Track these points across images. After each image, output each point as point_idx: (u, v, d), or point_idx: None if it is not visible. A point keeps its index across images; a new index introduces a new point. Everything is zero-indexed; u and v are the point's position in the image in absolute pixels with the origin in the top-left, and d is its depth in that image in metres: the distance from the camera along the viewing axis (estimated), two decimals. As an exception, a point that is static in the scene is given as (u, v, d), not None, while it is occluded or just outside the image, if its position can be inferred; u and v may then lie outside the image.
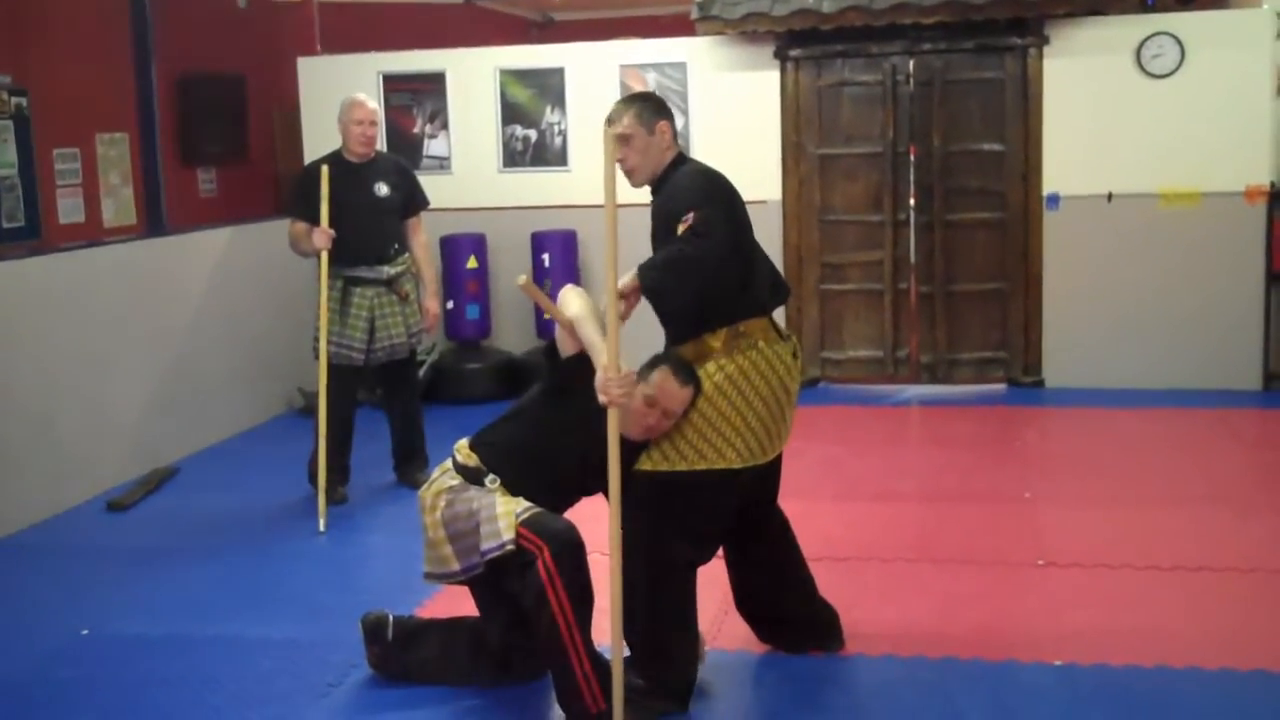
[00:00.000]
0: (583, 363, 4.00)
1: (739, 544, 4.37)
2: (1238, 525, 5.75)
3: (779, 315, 4.30)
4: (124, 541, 6.11)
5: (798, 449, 7.32)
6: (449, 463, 4.21)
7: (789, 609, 4.51)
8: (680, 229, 3.87)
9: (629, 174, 4.16)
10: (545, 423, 4.15)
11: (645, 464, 4.03)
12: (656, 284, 3.86)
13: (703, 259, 3.85)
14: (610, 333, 3.79)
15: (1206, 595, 4.92)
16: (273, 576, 5.54)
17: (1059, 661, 4.33)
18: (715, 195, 4.01)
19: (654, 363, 4.02)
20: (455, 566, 4.07)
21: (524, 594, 3.95)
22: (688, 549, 4.04)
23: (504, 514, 3.95)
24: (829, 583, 5.19)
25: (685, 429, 4.00)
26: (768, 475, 4.31)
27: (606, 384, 3.79)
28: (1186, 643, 4.44)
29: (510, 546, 3.91)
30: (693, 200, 3.95)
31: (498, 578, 4.02)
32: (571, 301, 4.06)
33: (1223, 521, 5.78)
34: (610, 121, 4.12)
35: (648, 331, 4.33)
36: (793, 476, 6.80)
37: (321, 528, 6.08)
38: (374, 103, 6.61)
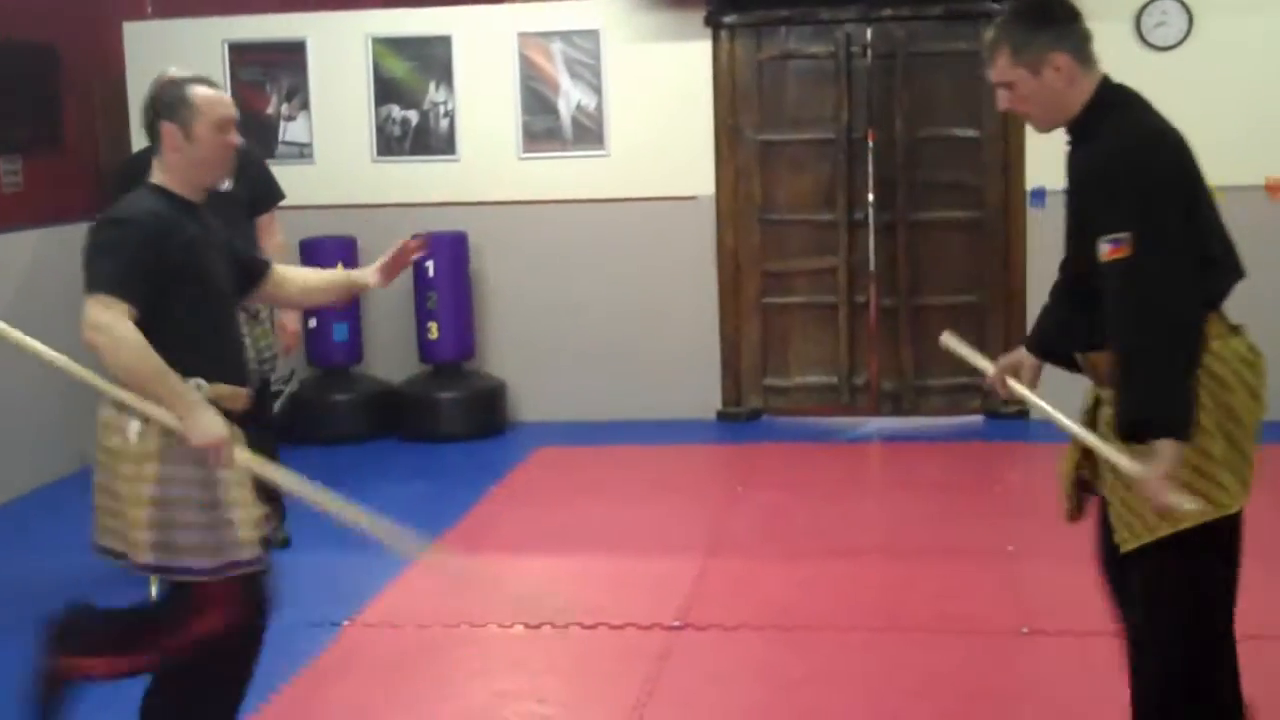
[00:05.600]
0: None
1: None
2: (1259, 584, 5.82)
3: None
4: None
5: (735, 496, 7.39)
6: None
7: None
8: (1107, 253, 3.39)
9: (1026, 118, 3.75)
10: None
11: (1131, 541, 3.54)
12: (1167, 425, 3.36)
13: (1162, 305, 3.36)
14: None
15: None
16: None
17: (1049, 749, 4.37)
18: (1158, 193, 3.43)
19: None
20: (140, 555, 3.86)
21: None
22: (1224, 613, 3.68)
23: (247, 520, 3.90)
24: (775, 657, 5.22)
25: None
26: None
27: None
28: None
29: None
30: (1125, 208, 3.40)
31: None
32: None
33: (1241, 580, 5.84)
34: (985, 56, 3.68)
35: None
36: (729, 529, 6.85)
37: (153, 597, 5.99)
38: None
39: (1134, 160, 3.45)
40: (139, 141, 8.21)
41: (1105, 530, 3.73)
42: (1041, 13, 3.56)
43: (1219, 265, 3.56)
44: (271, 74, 9.14)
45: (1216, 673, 3.64)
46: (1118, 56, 8.93)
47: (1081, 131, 3.59)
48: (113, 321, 3.68)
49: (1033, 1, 3.61)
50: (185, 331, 3.85)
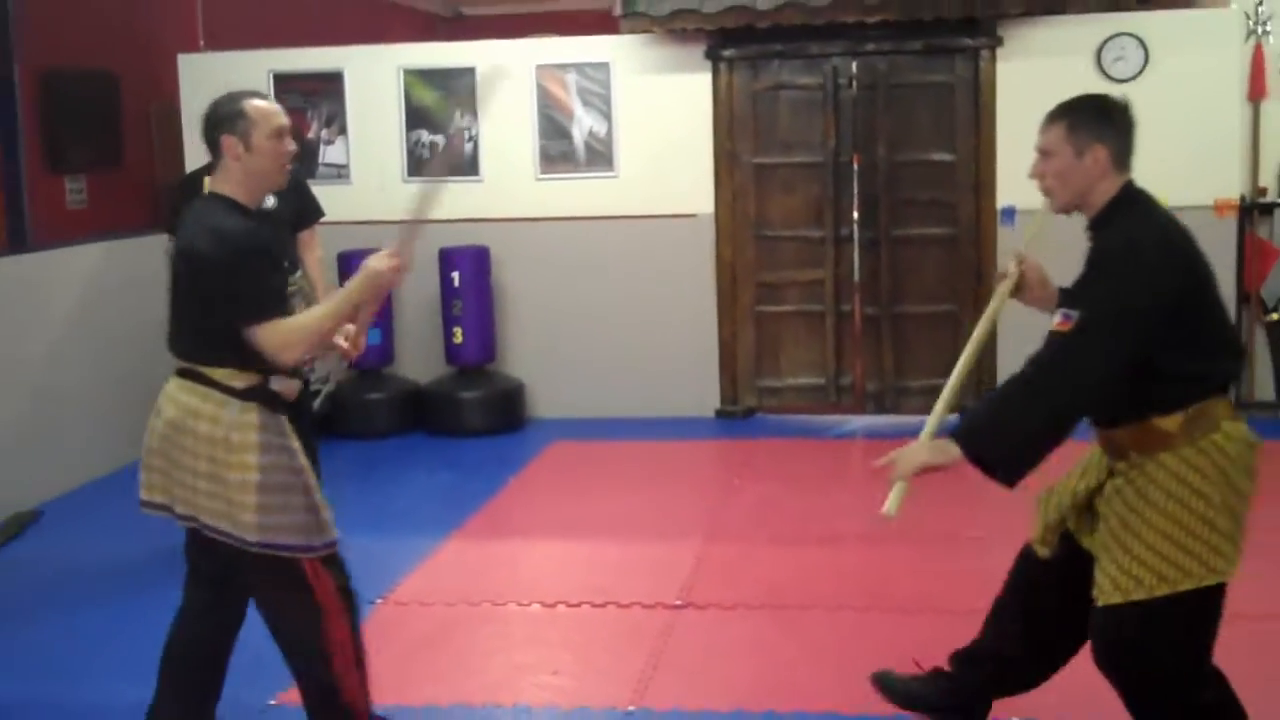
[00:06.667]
0: None
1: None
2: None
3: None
4: (-20, 595, 6.01)
5: (732, 487, 7.39)
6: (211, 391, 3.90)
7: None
8: (1057, 323, 3.50)
9: (1045, 193, 3.80)
10: None
11: (1115, 596, 3.49)
12: (974, 438, 3.57)
13: (1056, 389, 3.47)
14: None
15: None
16: (148, 633, 5.43)
17: None
18: (1137, 288, 3.46)
19: None
20: (249, 536, 3.81)
21: (289, 623, 3.91)
22: (1205, 686, 3.62)
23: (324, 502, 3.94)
24: (769, 634, 5.22)
25: (1155, 540, 3.46)
26: None
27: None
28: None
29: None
30: (1100, 289, 3.50)
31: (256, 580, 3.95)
32: None
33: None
34: (1044, 123, 3.78)
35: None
36: (726, 517, 6.85)
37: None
38: None
39: (1119, 254, 3.53)
40: (193, 163, 8.25)
41: (1051, 569, 3.86)
42: (1105, 110, 3.71)
43: (1229, 350, 3.61)
44: (312, 101, 9.14)
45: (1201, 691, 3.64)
46: (1081, 87, 8.98)
47: (1097, 227, 3.70)
48: (278, 330, 3.76)
49: (1103, 99, 3.77)
50: None
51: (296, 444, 3.95)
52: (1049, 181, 3.72)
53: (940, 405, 3.77)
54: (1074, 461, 3.82)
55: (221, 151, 3.90)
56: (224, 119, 3.90)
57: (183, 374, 3.95)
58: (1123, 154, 3.68)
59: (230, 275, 3.77)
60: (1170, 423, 3.46)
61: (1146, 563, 3.45)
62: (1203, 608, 3.52)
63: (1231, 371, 3.62)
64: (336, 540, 3.95)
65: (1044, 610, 3.92)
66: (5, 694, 4.85)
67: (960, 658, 4.17)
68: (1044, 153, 3.71)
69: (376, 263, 3.95)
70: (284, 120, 3.99)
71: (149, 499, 4.00)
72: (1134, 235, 3.54)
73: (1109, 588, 3.50)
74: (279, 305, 3.83)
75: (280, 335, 3.76)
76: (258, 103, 3.94)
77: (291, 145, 4.02)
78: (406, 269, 4.00)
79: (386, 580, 5.87)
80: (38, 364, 7.48)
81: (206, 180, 6.17)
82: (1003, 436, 3.53)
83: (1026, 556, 4.03)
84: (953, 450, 3.53)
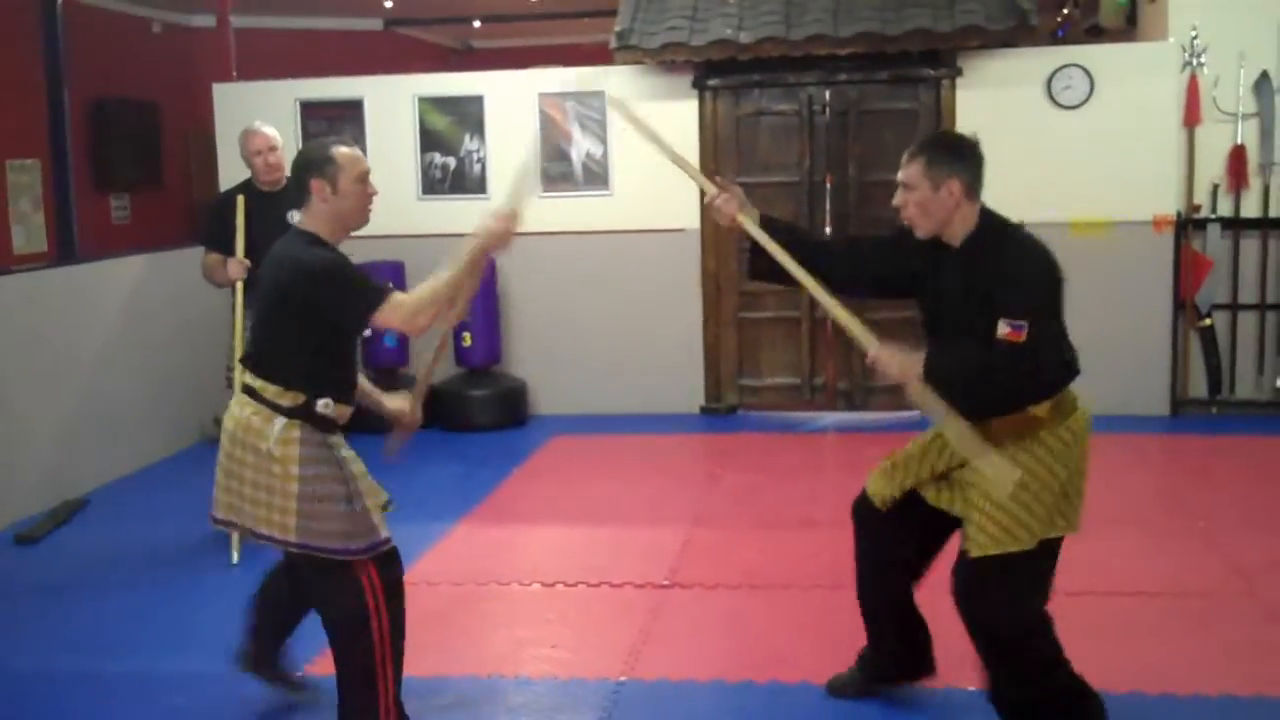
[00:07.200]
0: None
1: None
2: (1148, 549, 5.82)
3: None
4: (32, 575, 5.98)
5: (715, 477, 7.38)
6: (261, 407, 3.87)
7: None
8: (1006, 333, 3.60)
9: (908, 221, 3.88)
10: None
11: (991, 548, 3.73)
12: (944, 379, 3.73)
13: (1009, 385, 3.71)
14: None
15: (1121, 620, 4.97)
16: (185, 610, 5.44)
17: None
18: (1054, 295, 3.72)
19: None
20: (291, 538, 3.81)
21: (336, 611, 3.87)
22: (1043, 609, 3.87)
23: (375, 506, 3.90)
24: (747, 610, 5.21)
25: (1030, 502, 3.73)
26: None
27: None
28: (1100, 670, 4.47)
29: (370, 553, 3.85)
30: (1032, 301, 3.65)
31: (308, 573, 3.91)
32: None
33: (1134, 545, 5.84)
34: (905, 159, 3.88)
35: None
36: (710, 504, 6.84)
37: (235, 559, 5.98)
38: (270, 129, 6.47)
39: (1039, 269, 3.69)
40: (225, 183, 8.22)
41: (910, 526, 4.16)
42: (957, 147, 3.82)
43: (1070, 347, 3.86)
44: (335, 127, 9.10)
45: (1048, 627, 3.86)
46: (1032, 113, 8.89)
47: (977, 247, 3.78)
48: (401, 305, 3.75)
49: (955, 137, 3.92)
50: (335, 355, 3.91)
51: (345, 454, 3.93)
52: (910, 210, 3.85)
53: (849, 320, 4.11)
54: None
55: (310, 193, 3.85)
56: (314, 164, 3.86)
57: (244, 390, 3.92)
58: (974, 185, 3.78)
59: (333, 286, 3.77)
60: (1042, 409, 3.72)
61: (1023, 521, 3.69)
62: (1051, 556, 3.80)
63: (1078, 369, 3.84)
64: (380, 543, 3.89)
65: (896, 562, 4.26)
66: (55, 666, 4.83)
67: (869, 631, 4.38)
68: (905, 185, 3.84)
69: (490, 221, 3.85)
70: (367, 166, 3.94)
71: (216, 496, 4.02)
72: (1030, 263, 3.69)
73: (986, 541, 3.72)
74: (385, 287, 3.80)
75: (406, 308, 3.76)
76: (344, 150, 3.89)
77: (374, 189, 3.97)
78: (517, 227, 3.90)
79: (402, 561, 5.84)
80: (86, 365, 7.45)
81: (238, 199, 6.22)
82: (953, 394, 3.74)
83: (873, 533, 4.29)
84: (918, 372, 3.74)
